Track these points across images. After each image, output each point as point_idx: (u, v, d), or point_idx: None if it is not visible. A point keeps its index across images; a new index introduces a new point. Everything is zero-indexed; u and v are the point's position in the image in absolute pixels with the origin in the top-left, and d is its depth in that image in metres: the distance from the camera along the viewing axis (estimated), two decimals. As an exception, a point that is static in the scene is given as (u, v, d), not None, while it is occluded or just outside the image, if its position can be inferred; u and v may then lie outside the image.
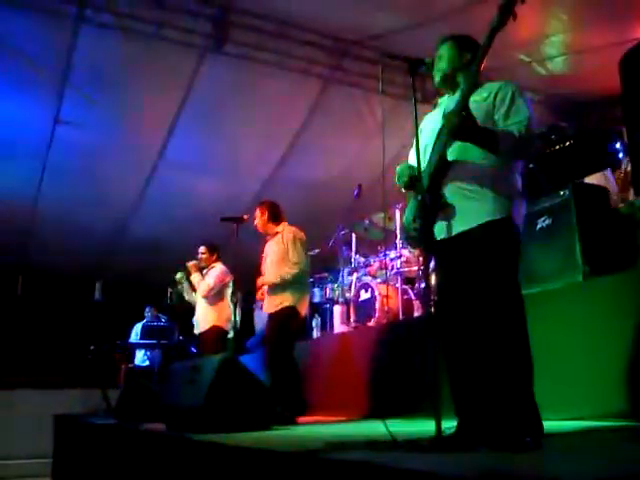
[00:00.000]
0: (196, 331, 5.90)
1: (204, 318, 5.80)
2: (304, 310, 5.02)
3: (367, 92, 6.65)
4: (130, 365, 7.88)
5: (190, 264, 5.98)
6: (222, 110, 6.74)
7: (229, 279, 5.80)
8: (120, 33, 5.67)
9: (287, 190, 7.13)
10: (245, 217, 5.12)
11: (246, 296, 7.75)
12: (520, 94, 2.57)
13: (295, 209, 5.45)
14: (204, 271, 5.98)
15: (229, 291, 5.82)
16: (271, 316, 4.84)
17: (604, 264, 3.70)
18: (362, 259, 6.71)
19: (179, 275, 6.13)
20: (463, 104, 2.44)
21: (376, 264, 6.50)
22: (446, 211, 2.56)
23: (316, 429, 3.91)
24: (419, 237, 2.69)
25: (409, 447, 2.17)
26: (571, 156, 4.94)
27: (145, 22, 5.77)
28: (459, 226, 2.55)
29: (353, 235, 6.79)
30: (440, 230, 2.61)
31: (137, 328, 7.97)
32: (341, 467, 1.83)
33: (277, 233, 4.97)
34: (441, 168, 2.59)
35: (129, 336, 7.98)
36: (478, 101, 2.59)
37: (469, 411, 2.46)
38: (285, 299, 4.76)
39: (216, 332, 5.68)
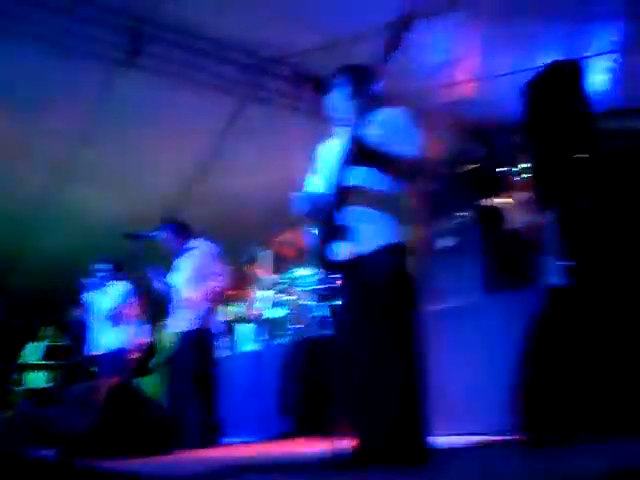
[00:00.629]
0: (96, 352, 5.64)
1: (102, 340, 5.55)
2: (217, 327, 4.90)
3: (285, 110, 6.63)
4: (24, 387, 7.45)
5: (88, 281, 5.68)
6: (136, 124, 6.54)
7: (133, 298, 5.57)
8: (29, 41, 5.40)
9: (202, 207, 6.98)
10: (151, 234, 4.93)
11: (152, 315, 7.53)
12: (413, 121, 2.67)
13: (211, 225, 5.34)
14: (103, 289, 5.72)
15: (133, 310, 5.59)
16: (186, 335, 4.69)
17: (504, 282, 3.82)
18: (277, 276, 6.66)
19: (83, 294, 5.84)
20: (359, 131, 2.53)
21: (289, 281, 6.45)
22: (345, 234, 2.62)
23: (218, 452, 3.81)
24: (321, 259, 2.74)
25: (302, 468, 2.12)
26: (477, 179, 5.09)
27: (55, 31, 5.53)
28: (357, 249, 2.62)
29: (269, 252, 6.74)
30: (341, 253, 2.67)
31: (34, 348, 7.55)
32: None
33: (189, 249, 4.83)
34: (341, 193, 2.65)
35: (23, 356, 7.55)
36: (375, 124, 2.65)
37: (363, 430, 2.45)
38: (198, 317, 4.63)
39: (116, 353, 5.43)
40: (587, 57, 4.77)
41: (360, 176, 2.63)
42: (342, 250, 2.66)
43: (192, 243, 4.89)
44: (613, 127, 5.65)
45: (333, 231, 2.65)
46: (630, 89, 6.07)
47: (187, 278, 4.77)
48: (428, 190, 5.85)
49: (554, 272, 3.83)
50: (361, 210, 2.63)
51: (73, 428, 3.43)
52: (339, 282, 2.94)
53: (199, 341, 4.64)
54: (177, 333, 4.77)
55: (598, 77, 5.59)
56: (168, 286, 4.82)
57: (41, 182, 7.08)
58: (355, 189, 2.64)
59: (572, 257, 3.74)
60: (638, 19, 5.03)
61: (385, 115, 2.70)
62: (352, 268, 2.66)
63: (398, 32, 2.49)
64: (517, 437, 3.15)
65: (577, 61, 4.34)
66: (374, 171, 2.58)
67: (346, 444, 2.43)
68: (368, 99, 2.66)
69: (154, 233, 4.93)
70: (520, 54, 6.17)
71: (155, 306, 7.64)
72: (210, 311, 4.70)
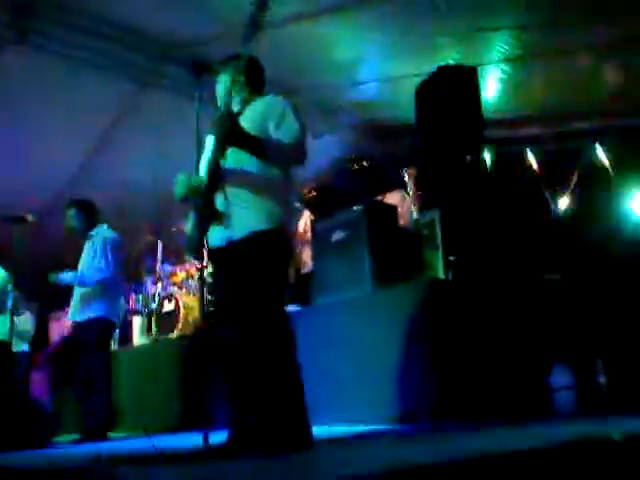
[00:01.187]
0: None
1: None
2: (116, 319, 4.74)
3: (182, 96, 6.50)
4: None
5: None
6: (24, 103, 6.21)
7: (9, 286, 5.22)
8: None
9: (92, 191, 6.70)
10: (28, 217, 4.65)
11: (40, 305, 7.18)
12: (292, 109, 2.66)
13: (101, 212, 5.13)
14: None
15: (9, 300, 5.23)
16: (80, 325, 4.51)
17: (391, 277, 3.92)
18: (168, 268, 6.52)
19: None
20: (226, 109, 2.54)
21: (182, 274, 6.34)
22: (218, 219, 2.55)
23: (97, 446, 3.70)
24: (192, 246, 2.67)
25: (174, 459, 2.10)
26: (371, 176, 5.20)
27: None
28: (229, 234, 2.55)
29: (159, 243, 6.57)
30: (215, 238, 2.61)
31: None
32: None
33: (91, 236, 4.66)
34: (215, 175, 2.60)
35: None
36: (253, 111, 2.68)
37: (240, 420, 2.44)
38: (97, 307, 4.48)
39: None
40: (479, 65, 4.97)
41: (235, 159, 2.57)
42: (215, 236, 2.59)
43: (95, 229, 4.69)
44: (500, 135, 5.98)
45: (208, 216, 2.57)
46: (517, 99, 6.44)
47: (86, 266, 4.58)
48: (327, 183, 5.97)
49: (439, 266, 3.99)
50: (234, 194, 2.56)
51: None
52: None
53: (95, 332, 4.48)
54: (74, 322, 4.59)
55: (489, 85, 5.87)
56: (69, 275, 4.60)
57: None
58: (229, 172, 2.58)
59: (455, 252, 3.91)
60: (528, 31, 5.30)
61: (267, 101, 2.72)
62: (223, 255, 2.59)
63: (258, 10, 2.47)
64: (407, 426, 3.25)
65: (467, 67, 4.53)
66: (247, 154, 2.53)
67: (226, 435, 2.40)
68: (251, 88, 2.70)
69: (29, 216, 4.64)
70: (421, 58, 6.39)
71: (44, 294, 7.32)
72: (107, 301, 4.54)
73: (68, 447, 3.48)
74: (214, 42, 5.93)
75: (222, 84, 2.81)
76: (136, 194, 7.12)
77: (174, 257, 6.82)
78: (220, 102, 2.81)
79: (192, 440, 2.44)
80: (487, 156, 4.32)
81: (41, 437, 3.27)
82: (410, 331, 3.54)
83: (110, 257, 4.56)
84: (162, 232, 6.55)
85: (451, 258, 3.95)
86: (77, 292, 4.64)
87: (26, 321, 5.98)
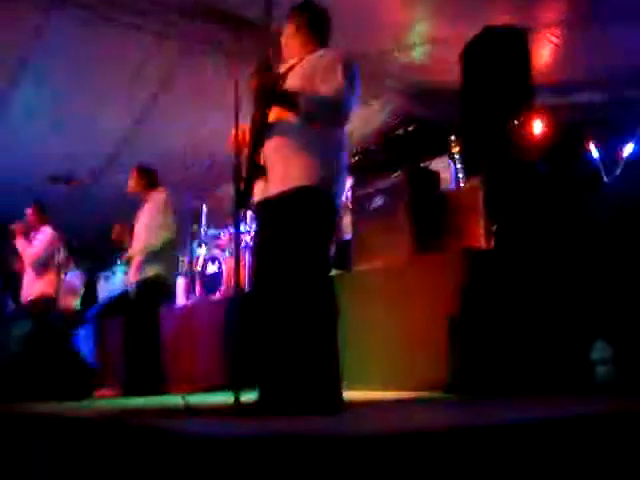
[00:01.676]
0: (23, 300, 5.49)
1: (31, 287, 5.40)
2: (171, 279, 4.86)
3: (225, 60, 6.48)
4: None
5: (15, 226, 5.48)
6: (70, 69, 6.30)
7: (58, 245, 5.37)
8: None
9: (139, 156, 6.82)
10: (77, 180, 4.78)
11: (89, 264, 7.38)
12: (344, 64, 2.55)
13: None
14: (31, 235, 5.53)
15: (57, 258, 5.39)
16: (137, 284, 4.61)
17: (431, 245, 3.88)
18: (212, 232, 6.61)
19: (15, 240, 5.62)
20: (262, 64, 2.46)
21: (226, 237, 6.41)
22: (260, 173, 2.52)
23: (142, 400, 3.81)
24: (241, 200, 2.62)
25: (207, 414, 2.14)
26: (415, 142, 5.12)
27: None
28: (270, 190, 2.52)
29: (203, 207, 6.66)
30: (257, 194, 2.58)
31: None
32: (132, 432, 1.77)
33: (150, 199, 4.75)
34: (260, 129, 2.56)
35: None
36: (307, 64, 2.61)
37: (271, 380, 2.45)
38: (154, 267, 4.57)
39: (44, 302, 5.30)
40: (529, 28, 4.79)
41: (277, 115, 2.54)
42: (257, 192, 2.56)
43: (154, 193, 4.77)
44: (550, 101, 5.77)
45: (252, 171, 2.54)
46: (571, 64, 6.19)
47: (142, 228, 4.68)
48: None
49: (480, 235, 3.92)
50: (276, 149, 2.52)
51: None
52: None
53: (152, 291, 4.59)
54: (132, 281, 4.71)
55: (540, 49, 5.65)
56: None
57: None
58: (272, 127, 2.54)
59: (498, 221, 3.82)
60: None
61: (321, 54, 2.64)
62: (264, 210, 2.57)
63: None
64: (441, 394, 3.24)
65: (518, 29, 4.37)
66: (279, 106, 2.50)
67: (257, 395, 2.43)
68: (314, 39, 2.64)
69: (78, 177, 4.77)
70: (470, 19, 6.19)
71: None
72: (164, 262, 4.62)
73: (109, 400, 3.61)
74: (256, 4, 5.88)
75: (285, 34, 2.77)
76: (180, 159, 7.19)
77: (218, 220, 6.90)
78: (285, 50, 2.77)
79: (224, 399, 2.48)
80: (536, 123, 4.18)
81: (83, 390, 3.39)
82: (448, 300, 3.51)
83: (169, 219, 4.65)
84: (206, 196, 6.63)
85: (493, 227, 3.87)
86: (135, 251, 4.71)
87: (75, 279, 6.16)
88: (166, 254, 4.66)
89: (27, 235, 5.48)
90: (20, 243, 5.44)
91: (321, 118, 2.52)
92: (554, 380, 3.32)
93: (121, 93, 6.78)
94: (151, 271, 4.58)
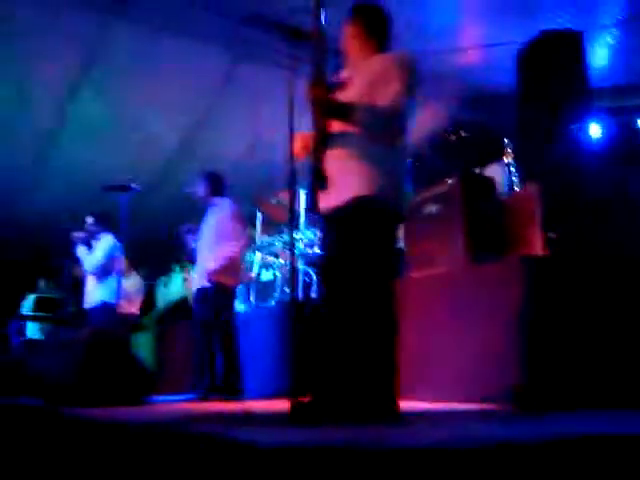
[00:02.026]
0: (85, 306, 5.69)
1: (92, 293, 5.59)
2: (238, 286, 4.96)
3: (280, 68, 6.55)
4: (24, 337, 7.56)
5: (76, 235, 5.68)
6: (127, 78, 6.49)
7: (118, 252, 5.53)
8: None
9: (193, 164, 6.96)
10: (133, 186, 4.90)
11: (148, 271, 7.57)
12: (401, 66, 2.55)
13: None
14: (92, 243, 5.71)
15: (117, 265, 5.55)
16: (205, 290, 4.71)
17: (486, 253, 3.81)
18: (266, 239, 6.67)
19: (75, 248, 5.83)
20: (317, 77, 2.46)
21: (280, 245, 6.47)
22: (324, 184, 2.53)
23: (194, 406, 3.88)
24: (310, 206, 2.63)
25: (265, 422, 2.17)
26: (469, 147, 5.06)
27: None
28: (331, 200, 2.53)
29: (258, 214, 6.74)
30: (321, 204, 2.58)
31: (29, 300, 7.62)
32: (192, 440, 1.81)
33: (218, 206, 4.86)
34: (322, 139, 2.57)
35: (21, 307, 7.63)
36: (365, 70, 2.61)
37: (330, 388, 2.45)
38: (222, 274, 4.65)
39: (104, 308, 5.47)
40: (586, 30, 4.68)
41: (337, 125, 2.55)
42: (321, 202, 2.57)
43: (218, 200, 4.86)
44: (608, 104, 5.61)
45: (315, 180, 2.56)
46: (630, 65, 6.00)
47: (212, 236, 4.77)
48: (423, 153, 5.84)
49: (537, 243, 3.84)
50: (337, 159, 2.54)
51: (53, 376, 3.49)
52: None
53: (217, 296, 4.67)
54: (198, 288, 4.81)
55: (598, 51, 5.52)
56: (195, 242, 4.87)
57: (34, 136, 7.06)
58: (333, 138, 2.55)
59: (555, 228, 3.73)
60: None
61: (379, 59, 2.63)
62: (327, 221, 2.59)
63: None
64: (497, 406, 3.18)
65: (574, 32, 4.27)
66: (334, 118, 2.51)
67: (313, 403, 2.44)
68: (373, 41, 2.63)
69: (134, 185, 4.90)
70: (524, 22, 6.08)
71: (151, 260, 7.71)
72: (228, 268, 4.69)
73: (166, 404, 3.69)
74: (309, 11, 5.92)
75: (344, 38, 2.76)
76: (235, 165, 7.30)
77: (272, 228, 6.97)
78: (346, 53, 2.77)
79: (280, 406, 2.51)
80: (594, 127, 4.07)
81: (140, 395, 3.48)
82: (503, 309, 3.44)
83: (240, 226, 4.75)
84: (259, 203, 6.69)
85: (551, 235, 3.78)
86: (202, 257, 4.82)
87: (134, 285, 6.32)
88: (235, 261, 4.74)
89: (88, 243, 5.66)
90: (81, 251, 5.62)
91: (379, 129, 2.52)
92: (620, 393, 3.21)
93: (178, 102, 6.95)
94: (221, 278, 4.66)
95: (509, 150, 4.74)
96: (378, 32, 2.75)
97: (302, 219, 6.27)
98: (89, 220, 5.73)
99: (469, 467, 1.41)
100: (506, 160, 4.93)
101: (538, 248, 3.84)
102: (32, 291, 7.85)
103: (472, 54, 6.86)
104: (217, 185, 4.93)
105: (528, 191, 3.98)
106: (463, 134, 4.94)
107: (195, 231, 4.98)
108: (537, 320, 3.35)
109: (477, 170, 4.69)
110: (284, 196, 6.56)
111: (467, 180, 3.95)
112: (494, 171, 4.74)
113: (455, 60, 6.99)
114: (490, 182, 4.12)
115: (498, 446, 1.51)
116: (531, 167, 4.17)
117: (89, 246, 5.68)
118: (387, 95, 2.47)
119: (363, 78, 2.59)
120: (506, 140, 4.92)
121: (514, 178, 4.61)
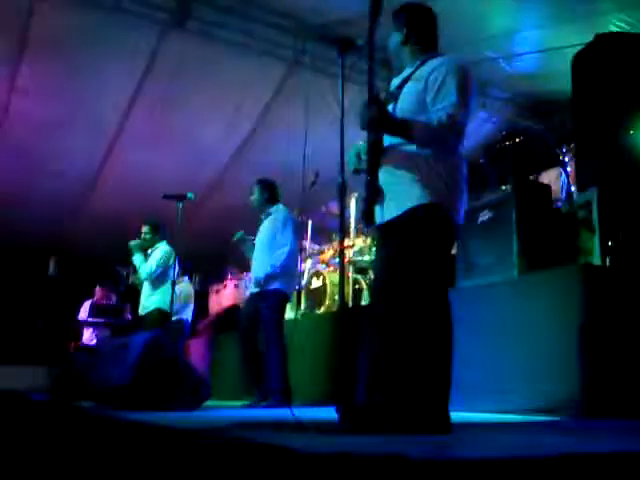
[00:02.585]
0: (140, 313, 5.81)
1: (147, 300, 5.70)
2: (292, 292, 5.02)
3: (332, 77, 6.58)
4: (80, 343, 7.77)
5: (132, 243, 5.81)
6: (183, 89, 6.64)
7: (173, 260, 5.62)
8: (77, 3, 5.53)
9: (246, 173, 7.04)
10: (189, 195, 5.01)
11: (201, 278, 7.68)
12: (455, 74, 2.49)
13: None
14: (148, 251, 5.84)
15: (172, 273, 5.63)
16: (258, 296, 4.76)
17: (541, 261, 3.73)
18: (316, 247, 6.69)
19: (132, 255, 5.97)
20: (371, 94, 2.44)
21: (329, 252, 6.48)
22: (379, 196, 2.52)
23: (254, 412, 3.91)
24: (365, 218, 2.63)
25: (315, 429, 2.16)
26: (524, 153, 4.96)
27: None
28: (388, 212, 2.52)
29: (309, 222, 6.77)
30: (377, 216, 2.57)
31: (86, 306, 7.83)
32: (242, 446, 1.81)
33: (270, 213, 4.94)
34: (376, 151, 2.56)
35: (78, 313, 7.85)
36: (417, 79, 2.56)
37: (381, 396, 2.43)
38: (276, 281, 4.71)
39: (158, 315, 5.58)
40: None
41: (391, 137, 2.53)
42: (377, 214, 2.55)
43: (272, 208, 4.94)
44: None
45: (372, 193, 2.54)
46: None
47: (266, 243, 4.83)
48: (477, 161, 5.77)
49: (595, 252, 3.72)
50: (392, 171, 2.52)
51: (108, 381, 3.57)
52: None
53: (277, 303, 4.73)
54: (251, 294, 4.88)
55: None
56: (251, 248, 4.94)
57: (92, 145, 7.27)
58: (387, 150, 2.54)
59: (614, 237, 3.62)
60: None
61: (432, 65, 2.56)
62: (383, 232, 2.58)
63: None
64: (555, 415, 3.10)
65: (631, 34, 4.14)
66: (391, 135, 2.49)
67: (362, 411, 2.42)
68: (421, 44, 2.60)
69: (190, 194, 5.00)
70: (581, 27, 5.94)
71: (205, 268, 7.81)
72: (286, 275, 4.75)
73: (218, 410, 3.73)
74: (359, 21, 5.93)
75: (392, 43, 2.72)
76: (287, 174, 7.35)
77: (322, 236, 6.99)
78: (392, 59, 2.75)
79: (329, 414, 2.50)
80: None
81: (194, 400, 3.52)
82: (559, 320, 3.35)
83: (292, 234, 4.80)
84: (310, 212, 6.72)
85: (610, 243, 3.66)
86: (256, 264, 4.87)
87: (188, 292, 6.42)
88: (287, 268, 4.78)
89: (144, 251, 5.79)
90: (137, 259, 5.75)
91: (435, 141, 2.49)
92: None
93: (232, 111, 7.06)
94: (274, 284, 4.70)
95: (566, 157, 4.62)
96: (425, 33, 2.69)
97: (352, 227, 6.27)
98: (145, 229, 5.85)
99: (533, 477, 1.37)
100: (562, 167, 4.81)
101: (597, 257, 3.73)
102: (89, 298, 8.06)
103: (525, 60, 6.76)
104: (271, 193, 5.00)
105: (585, 198, 3.87)
106: (517, 140, 4.83)
107: (249, 240, 5.04)
108: (596, 330, 3.25)
109: (532, 177, 4.57)
110: (334, 205, 6.59)
111: (522, 187, 3.87)
112: (550, 178, 4.63)
113: (506, 67, 6.90)
114: (545, 189, 4.02)
115: (562, 457, 1.46)
116: (589, 174, 4.06)
117: (145, 254, 5.80)
118: (444, 107, 2.44)
119: (418, 85, 2.55)
120: (563, 147, 4.80)
121: (571, 185, 4.49)
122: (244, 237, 5.01)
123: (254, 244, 4.98)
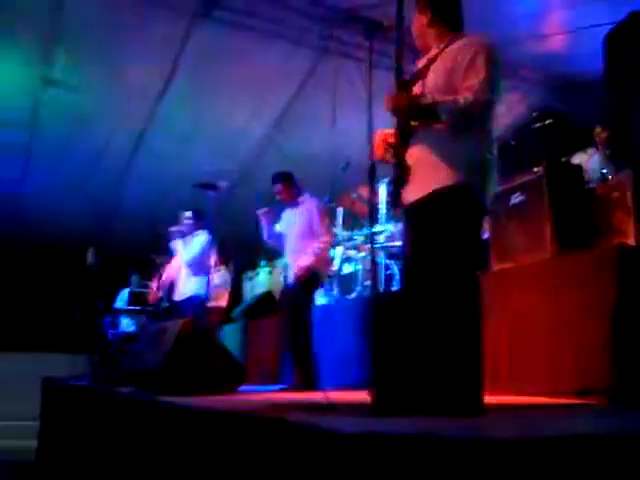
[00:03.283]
0: (176, 299, 5.93)
1: (184, 286, 5.81)
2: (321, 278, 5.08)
3: (361, 63, 6.55)
4: (118, 331, 7.93)
5: (173, 230, 5.91)
6: (213, 78, 6.70)
7: (212, 247, 5.73)
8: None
9: (276, 160, 7.09)
10: (221, 184, 5.08)
11: (236, 265, 7.77)
12: (483, 53, 2.47)
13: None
14: (187, 238, 5.94)
15: (209, 261, 5.76)
16: (298, 285, 4.82)
17: (575, 242, 3.70)
18: (346, 233, 6.71)
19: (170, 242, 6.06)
20: (396, 83, 2.46)
21: (360, 238, 6.49)
22: (407, 177, 2.53)
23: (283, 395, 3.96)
24: (394, 201, 2.67)
25: (347, 411, 2.20)
26: (556, 134, 4.90)
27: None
28: (416, 193, 2.53)
29: (338, 208, 6.78)
30: (405, 197, 2.59)
31: (123, 294, 8.00)
32: (278, 427, 1.86)
33: (299, 204, 4.98)
34: (405, 134, 2.56)
35: (115, 302, 8.02)
36: (445, 59, 2.56)
37: (413, 379, 2.45)
38: (313, 269, 4.77)
39: (195, 301, 5.68)
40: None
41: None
42: (405, 195, 2.56)
43: (300, 198, 4.99)
44: None
45: (398, 174, 2.56)
46: None
47: (299, 234, 4.89)
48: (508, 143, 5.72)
49: (630, 232, 3.68)
50: (419, 152, 2.53)
51: (146, 366, 3.66)
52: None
53: (307, 290, 4.81)
54: (289, 284, 4.95)
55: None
56: (276, 235, 5.00)
57: (124, 135, 7.38)
58: (418, 130, 2.54)
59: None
60: None
61: (460, 46, 2.55)
62: (410, 214, 2.59)
63: None
64: (587, 400, 3.08)
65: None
66: (418, 120, 2.49)
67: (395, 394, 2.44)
68: (445, 25, 2.59)
69: (221, 183, 5.07)
70: (612, 5, 5.82)
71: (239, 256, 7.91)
72: (318, 263, 4.80)
73: (254, 394, 3.79)
74: (387, 5, 5.90)
75: (415, 25, 2.72)
76: (316, 160, 7.38)
77: (353, 222, 6.99)
78: (417, 41, 2.74)
79: (362, 396, 2.54)
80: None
81: (230, 384, 3.59)
82: (594, 301, 3.32)
83: (324, 222, 4.90)
84: (340, 198, 6.74)
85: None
86: (292, 254, 4.93)
87: (223, 279, 6.52)
88: (325, 255, 4.86)
89: (184, 237, 5.91)
90: (177, 244, 5.87)
91: (464, 122, 2.47)
92: None
93: (261, 99, 7.09)
94: (312, 272, 4.76)
95: (599, 137, 4.55)
96: (450, 13, 2.68)
97: (382, 212, 6.27)
98: (187, 215, 5.94)
99: (553, 459, 1.38)
100: (596, 148, 4.74)
101: (631, 237, 3.68)
102: (126, 286, 8.22)
103: (556, 40, 6.64)
104: (296, 184, 5.05)
105: (620, 179, 3.82)
106: (549, 121, 4.77)
107: (271, 213, 5.05)
108: (631, 312, 3.21)
109: (564, 159, 4.52)
110: (364, 190, 6.58)
111: (553, 168, 3.83)
112: (582, 159, 4.57)
113: (537, 47, 6.78)
114: (577, 170, 3.98)
115: (584, 438, 1.47)
116: (623, 154, 4.00)
117: (184, 240, 5.91)
118: (472, 86, 2.41)
119: (446, 64, 2.53)
120: (596, 127, 4.72)
121: (604, 166, 4.43)
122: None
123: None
